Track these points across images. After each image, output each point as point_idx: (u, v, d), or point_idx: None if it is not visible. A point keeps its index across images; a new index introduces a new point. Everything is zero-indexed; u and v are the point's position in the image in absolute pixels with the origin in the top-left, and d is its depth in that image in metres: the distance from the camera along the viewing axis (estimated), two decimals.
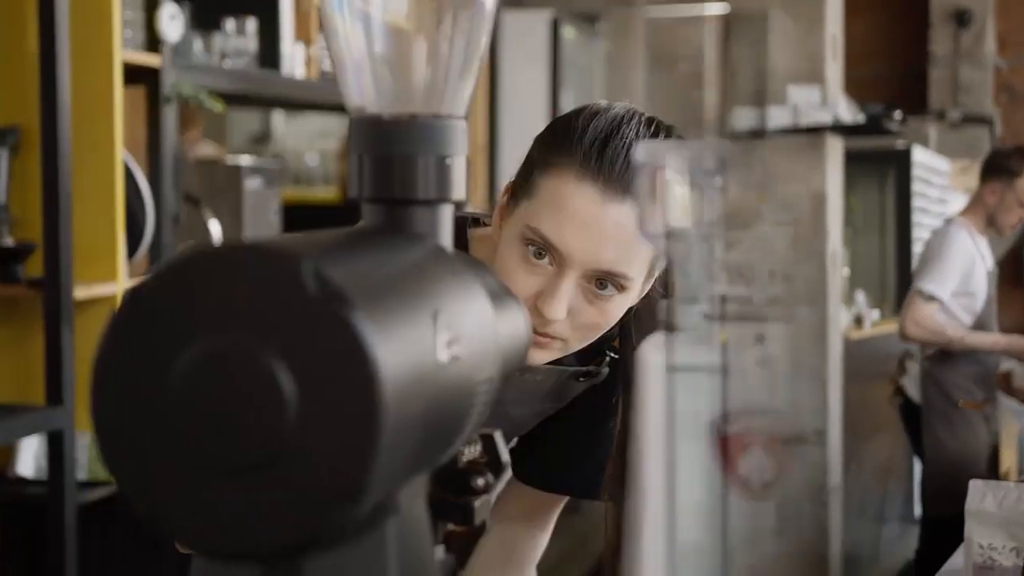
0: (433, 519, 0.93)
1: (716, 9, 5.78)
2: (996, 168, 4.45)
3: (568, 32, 5.76)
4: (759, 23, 5.45)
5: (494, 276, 0.91)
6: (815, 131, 5.20)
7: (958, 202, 8.57)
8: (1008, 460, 4.86)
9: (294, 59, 3.08)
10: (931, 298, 4.23)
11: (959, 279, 4.31)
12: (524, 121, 5.20)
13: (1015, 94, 9.95)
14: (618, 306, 1.29)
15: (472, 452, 0.90)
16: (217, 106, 2.75)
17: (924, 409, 4.45)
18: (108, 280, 2.51)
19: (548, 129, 1.32)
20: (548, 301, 1.26)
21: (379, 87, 0.84)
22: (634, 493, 0.72)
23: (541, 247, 1.26)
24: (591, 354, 1.43)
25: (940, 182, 7.88)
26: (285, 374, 0.62)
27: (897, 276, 7.10)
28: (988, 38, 9.53)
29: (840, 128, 5.35)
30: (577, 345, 1.31)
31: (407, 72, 0.84)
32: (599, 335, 1.32)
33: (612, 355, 1.42)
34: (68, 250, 2.36)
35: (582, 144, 1.26)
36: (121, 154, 2.50)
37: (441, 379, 0.70)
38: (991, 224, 4.44)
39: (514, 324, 0.88)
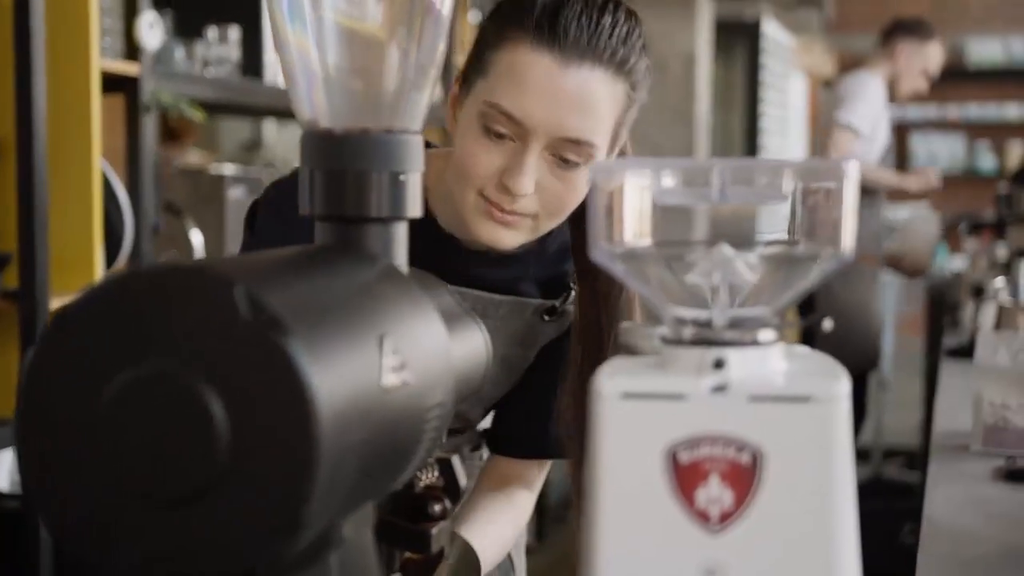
0: (389, 547, 0.90)
1: None
2: (910, 30, 4.58)
3: None
4: None
5: (451, 295, 0.88)
6: None
7: (799, 80, 8.65)
8: None
9: (277, 67, 3.05)
10: (854, 131, 4.35)
11: (872, 119, 4.43)
12: None
13: None
14: (582, 180, 1.26)
15: (429, 477, 0.87)
16: (198, 115, 2.72)
17: None
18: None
19: (496, 6, 1.29)
20: (514, 175, 1.23)
21: (331, 100, 0.82)
22: (588, 524, 0.69)
23: (501, 124, 1.23)
24: (555, 289, 1.41)
25: (785, 58, 7.92)
26: (217, 402, 0.59)
27: (745, 150, 7.13)
28: None
29: None
30: (547, 224, 1.28)
31: (360, 85, 0.82)
32: (567, 213, 1.29)
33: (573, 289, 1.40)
34: (44, 261, 2.34)
35: (533, 12, 1.23)
36: (99, 163, 2.47)
37: (386, 406, 0.67)
38: (892, 86, 4.55)
39: (470, 344, 0.86)
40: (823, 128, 4.47)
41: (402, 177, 0.81)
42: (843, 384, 0.67)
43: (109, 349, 0.60)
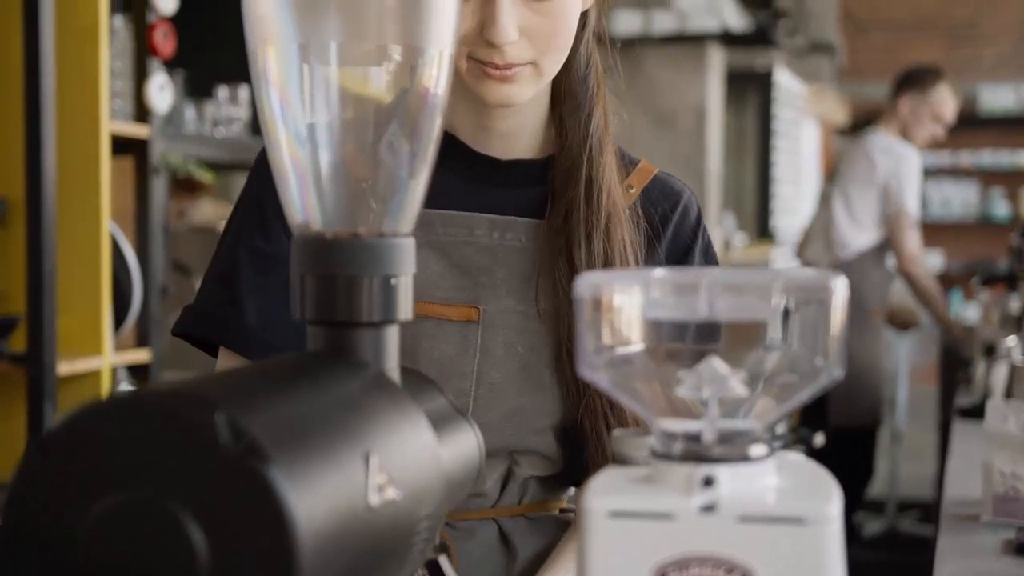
0: None
1: None
2: (911, 81, 4.60)
3: None
4: None
5: (444, 395, 0.87)
6: (699, 39, 5.15)
7: (810, 127, 8.68)
8: None
9: None
10: (916, 223, 4.36)
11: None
12: None
13: (858, 24, 10.04)
14: (568, 2, 1.21)
15: None
16: (207, 176, 2.73)
17: None
18: (93, 355, 2.48)
19: None
20: (491, 27, 1.18)
21: (322, 204, 0.82)
22: None
23: None
24: None
25: (797, 106, 7.94)
26: (198, 530, 0.59)
27: (757, 200, 7.13)
28: None
29: (728, 37, 5.33)
30: (550, 65, 1.23)
31: (351, 188, 0.82)
32: (565, 46, 1.23)
33: None
34: (52, 325, 2.34)
35: None
36: (108, 226, 2.48)
37: (373, 524, 0.66)
38: (905, 138, 4.51)
39: (462, 447, 0.85)
40: (889, 217, 4.37)
41: (393, 281, 0.80)
42: (835, 504, 0.66)
43: (90, 475, 0.60)
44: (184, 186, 3.94)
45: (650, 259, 1.32)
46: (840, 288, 0.68)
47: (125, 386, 2.74)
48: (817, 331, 0.70)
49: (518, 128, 1.32)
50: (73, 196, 2.45)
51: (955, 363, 4.79)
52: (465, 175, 1.31)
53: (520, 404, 1.28)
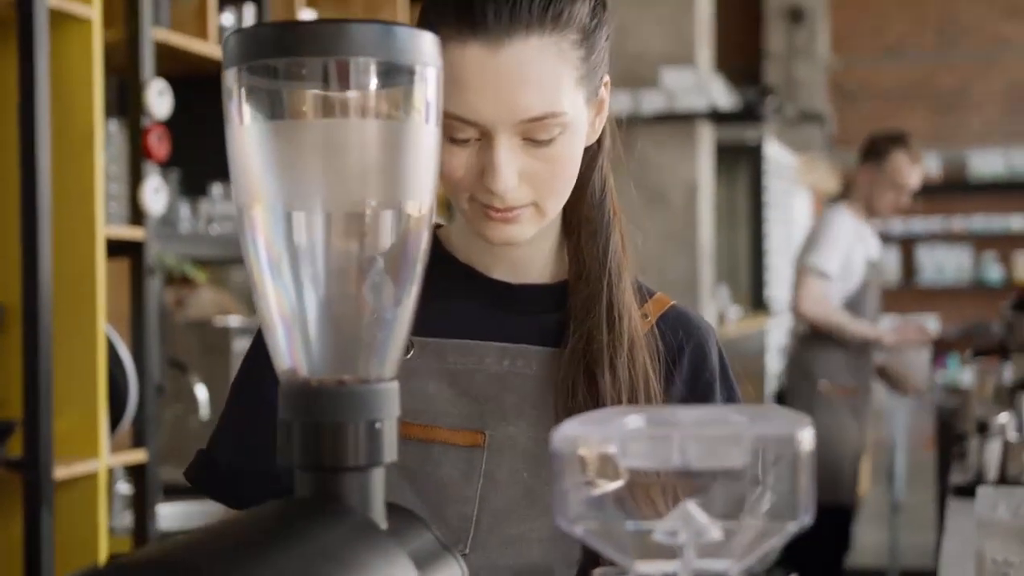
0: None
1: None
2: (867, 152, 4.63)
3: None
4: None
5: (431, 530, 0.89)
6: (688, 118, 5.21)
7: (803, 197, 8.74)
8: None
9: None
10: (822, 274, 4.38)
11: (842, 259, 4.46)
12: None
13: (847, 93, 10.15)
14: (569, 146, 1.20)
15: None
16: (200, 276, 2.76)
17: (788, 394, 4.58)
18: (90, 457, 2.50)
19: (419, 16, 1.23)
20: (491, 176, 1.17)
21: (308, 352, 0.84)
22: None
23: (459, 129, 1.17)
24: None
25: (788, 177, 7.98)
26: None
27: (750, 271, 7.15)
28: (821, 37, 9.72)
29: (716, 115, 5.38)
30: (552, 205, 1.22)
31: (337, 336, 0.84)
32: (566, 188, 1.23)
33: None
34: (48, 430, 2.36)
35: (448, 6, 1.17)
36: (103, 330, 2.51)
37: None
38: (870, 208, 4.56)
39: None
40: (798, 270, 4.48)
41: (378, 425, 0.83)
42: None
43: None
44: (182, 277, 3.98)
45: (669, 388, 1.31)
46: (807, 438, 0.71)
47: (122, 488, 2.75)
48: (787, 478, 0.72)
49: (528, 256, 1.32)
50: (69, 300, 2.48)
51: (951, 434, 4.80)
52: (480, 302, 1.32)
53: (521, 531, 1.28)
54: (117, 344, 2.58)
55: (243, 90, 0.82)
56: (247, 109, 0.83)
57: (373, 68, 0.81)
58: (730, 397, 1.37)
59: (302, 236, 0.83)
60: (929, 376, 4.76)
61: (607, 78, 1.27)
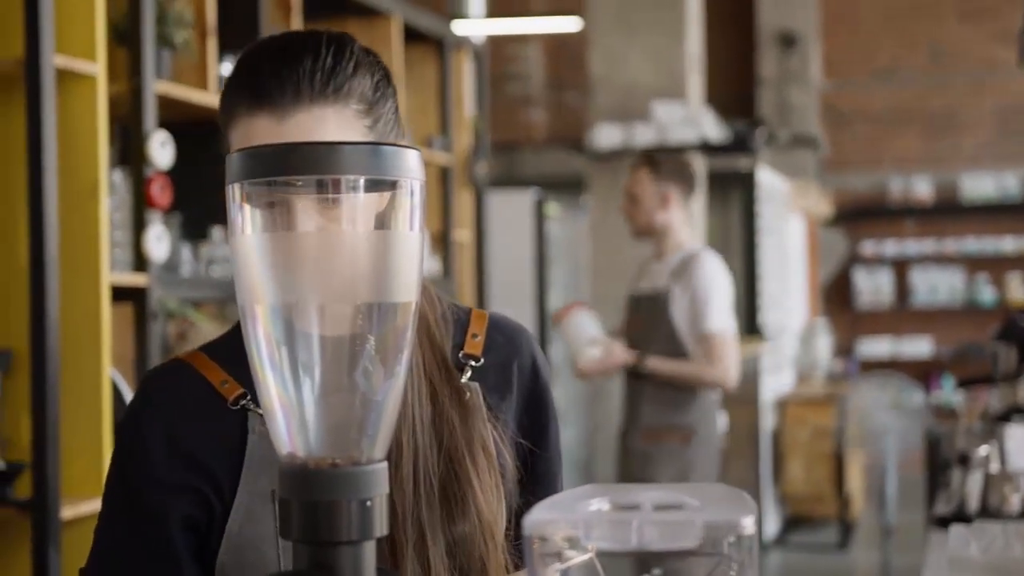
0: None
1: None
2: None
3: (552, 209, 5.91)
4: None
5: None
6: (680, 150, 5.23)
7: (795, 222, 8.81)
8: None
9: None
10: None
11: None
12: (511, 295, 5.36)
13: (840, 116, 10.24)
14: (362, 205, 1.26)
15: None
16: (202, 319, 2.85)
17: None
18: (96, 497, 2.58)
19: (221, 94, 1.30)
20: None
21: (304, 436, 0.93)
22: None
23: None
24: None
25: (781, 201, 8.06)
26: None
27: (744, 297, 7.23)
28: (813, 61, 9.82)
29: (707, 147, 5.39)
30: None
31: (331, 422, 0.93)
32: None
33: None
34: (55, 471, 2.44)
35: (240, 83, 1.25)
36: (108, 373, 2.59)
37: None
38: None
39: None
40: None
41: (369, 503, 0.92)
42: None
43: None
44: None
45: (503, 414, 1.35)
46: (751, 525, 0.80)
47: None
48: (735, 556, 0.81)
49: None
50: (75, 346, 2.56)
51: (939, 457, 4.87)
52: None
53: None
54: (121, 387, 2.66)
55: (245, 203, 0.91)
56: (248, 220, 0.92)
57: (362, 184, 0.90)
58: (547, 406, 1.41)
59: (298, 332, 0.92)
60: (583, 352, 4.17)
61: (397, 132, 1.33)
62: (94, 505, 2.58)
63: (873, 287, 10.50)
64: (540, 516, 0.83)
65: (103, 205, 2.61)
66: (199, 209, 3.11)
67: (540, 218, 6.20)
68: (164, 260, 2.83)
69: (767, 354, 7.39)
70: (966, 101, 10.30)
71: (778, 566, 6.74)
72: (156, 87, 2.86)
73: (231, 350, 1.29)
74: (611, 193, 5.16)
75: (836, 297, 10.54)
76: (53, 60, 2.50)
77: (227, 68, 3.19)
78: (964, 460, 3.37)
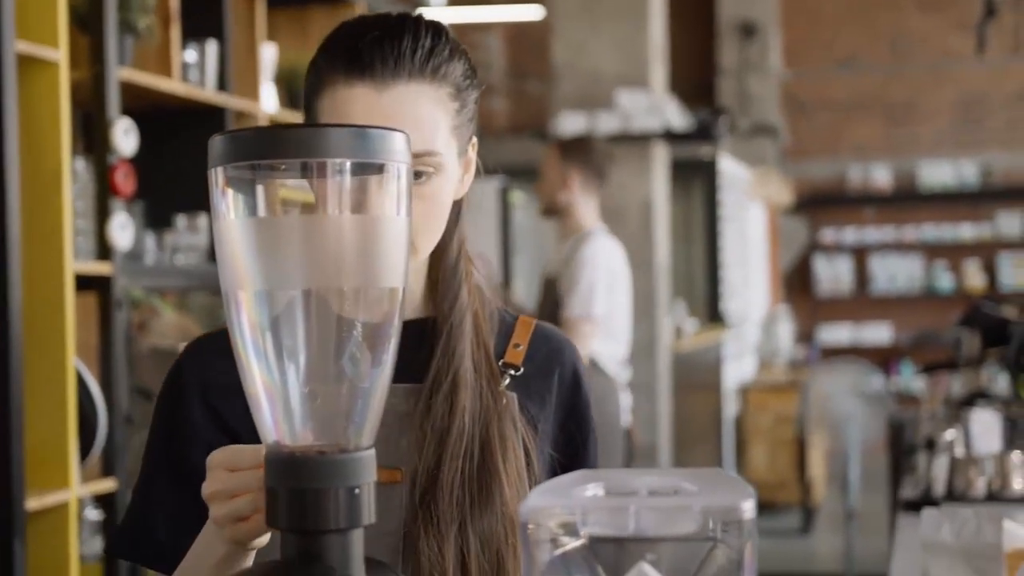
0: None
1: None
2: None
3: (516, 197, 5.89)
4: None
5: None
6: (643, 138, 5.23)
7: (756, 209, 8.87)
8: None
9: None
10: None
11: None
12: None
13: (800, 105, 10.32)
14: (441, 189, 1.28)
15: None
16: (167, 308, 2.82)
17: None
18: (61, 488, 2.55)
19: (311, 61, 1.32)
20: None
21: (290, 424, 0.91)
22: None
23: None
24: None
25: (742, 190, 8.11)
26: None
27: (706, 284, 7.28)
28: (773, 50, 9.89)
29: (670, 135, 5.41)
30: (424, 243, 1.28)
31: (318, 409, 0.91)
32: (439, 225, 1.29)
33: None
34: (20, 461, 2.41)
35: (339, 52, 1.27)
36: (72, 363, 2.56)
37: None
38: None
39: None
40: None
41: (357, 491, 0.90)
42: None
43: None
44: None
45: (543, 411, 1.37)
46: (750, 510, 0.79)
47: (91, 515, 2.80)
48: (732, 542, 0.80)
49: None
50: (39, 335, 2.52)
51: (902, 442, 4.90)
52: None
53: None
54: (86, 376, 2.63)
55: (228, 187, 0.89)
56: (231, 205, 0.90)
57: (348, 167, 0.88)
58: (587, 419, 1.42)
59: (283, 317, 0.90)
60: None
61: (475, 140, 1.36)
62: (59, 496, 2.54)
63: (833, 274, 10.56)
64: (536, 502, 0.82)
65: (66, 193, 2.57)
66: (163, 197, 3.08)
67: (505, 206, 6.19)
68: (128, 248, 2.79)
69: (729, 341, 7.42)
70: (925, 90, 10.37)
71: None
72: (119, 74, 2.82)
73: None
74: None
75: (797, 284, 10.60)
76: (14, 46, 2.46)
77: (191, 55, 3.15)
78: (930, 445, 3.39)
